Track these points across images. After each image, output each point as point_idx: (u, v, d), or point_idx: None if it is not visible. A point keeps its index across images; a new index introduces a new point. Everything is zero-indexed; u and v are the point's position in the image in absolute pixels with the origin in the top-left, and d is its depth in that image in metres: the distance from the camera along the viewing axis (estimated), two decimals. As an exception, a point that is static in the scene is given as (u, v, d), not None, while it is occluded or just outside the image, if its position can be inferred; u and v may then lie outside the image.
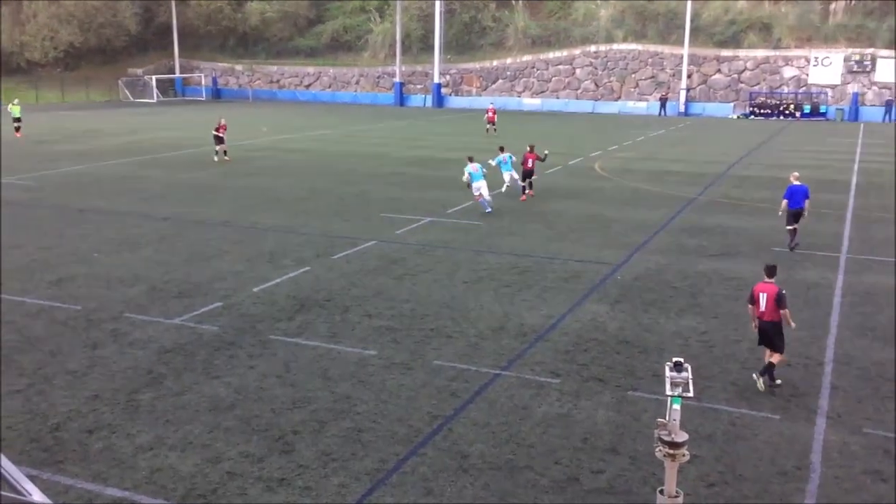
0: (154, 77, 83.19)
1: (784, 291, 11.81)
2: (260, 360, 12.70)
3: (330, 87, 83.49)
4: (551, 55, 75.03)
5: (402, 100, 78.42)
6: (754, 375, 11.90)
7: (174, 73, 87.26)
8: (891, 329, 14.43)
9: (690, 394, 6.07)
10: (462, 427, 10.51)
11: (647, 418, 10.65)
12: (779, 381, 11.77)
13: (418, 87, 79.49)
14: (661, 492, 6.28)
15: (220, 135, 35.36)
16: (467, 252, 19.75)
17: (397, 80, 78.45)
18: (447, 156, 38.08)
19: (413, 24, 79.75)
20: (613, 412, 10.99)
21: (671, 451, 6.12)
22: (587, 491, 9.04)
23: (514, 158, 27.12)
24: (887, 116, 63.47)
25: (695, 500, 8.78)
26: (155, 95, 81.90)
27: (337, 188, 28.87)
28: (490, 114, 48.99)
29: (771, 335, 11.75)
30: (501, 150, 27.36)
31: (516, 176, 27.20)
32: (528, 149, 27.12)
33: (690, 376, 6.07)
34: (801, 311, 15.27)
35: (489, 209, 24.43)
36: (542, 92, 75.18)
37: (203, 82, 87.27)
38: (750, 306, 11.99)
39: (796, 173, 20.99)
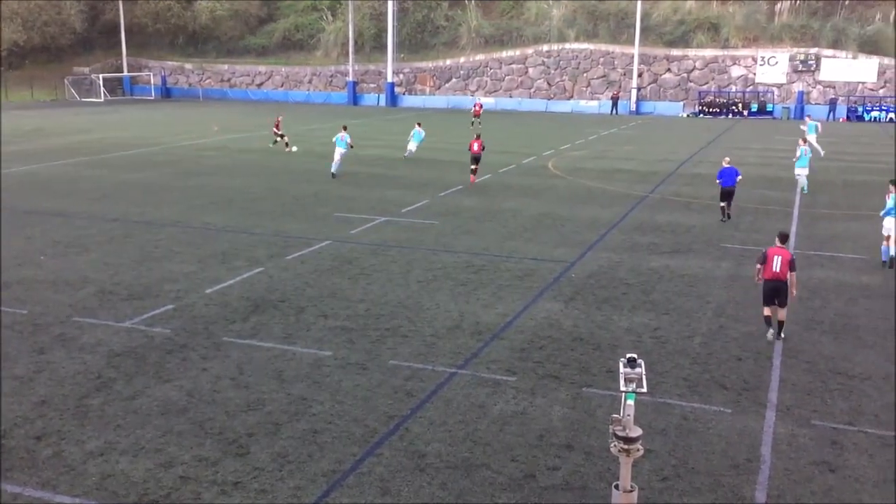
0: (101, 76, 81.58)
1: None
2: (213, 362, 12.53)
3: (282, 85, 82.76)
4: (504, 54, 75.37)
5: (355, 99, 78.08)
6: (769, 335, 13.60)
7: (122, 72, 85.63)
8: (838, 323, 14.78)
9: (644, 389, 6.13)
10: (418, 426, 10.49)
11: (602, 414, 10.76)
12: (783, 335, 13.64)
13: (372, 86, 79.23)
14: (617, 487, 6.34)
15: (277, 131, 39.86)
16: (422, 251, 19.74)
17: (350, 79, 78.10)
18: (401, 154, 38.01)
19: (366, 23, 79.45)
20: (569, 409, 11.08)
21: (626, 447, 6.18)
22: (543, 488, 9.10)
23: (423, 136, 35.66)
24: (831, 115, 65.02)
25: (649, 494, 8.89)
26: (102, 95, 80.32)
27: (290, 188, 28.63)
28: (477, 108, 56.62)
29: (783, 292, 13.47)
30: (419, 125, 34.27)
31: (413, 148, 36.18)
32: (475, 136, 30.67)
33: (644, 372, 6.14)
34: (750, 306, 15.57)
35: (334, 170, 30.96)
36: (496, 91, 75.49)
37: (152, 81, 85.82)
38: (759, 266, 13.78)
39: (728, 158, 24.70)
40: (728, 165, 23.92)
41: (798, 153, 28.83)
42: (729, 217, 23.87)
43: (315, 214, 23.97)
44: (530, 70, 74.67)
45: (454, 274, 17.72)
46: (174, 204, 25.29)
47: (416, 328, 14.19)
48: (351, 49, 76.88)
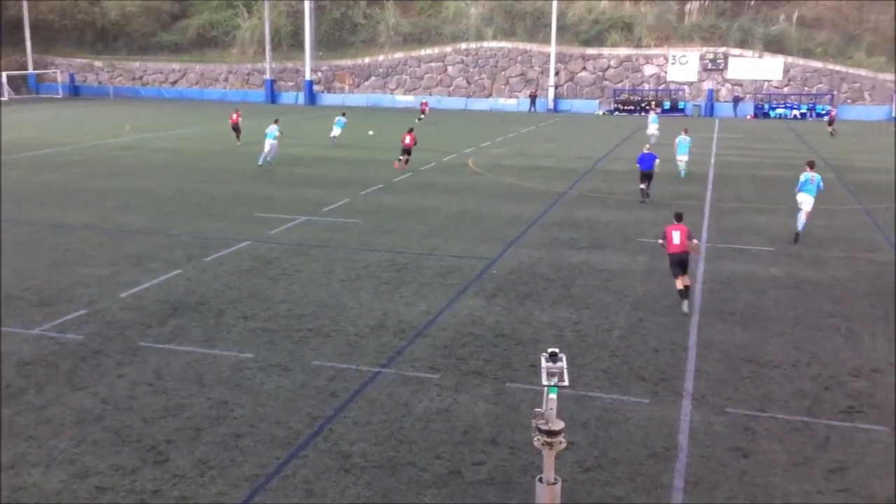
0: (4, 74, 78.15)
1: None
2: (129, 368, 12.18)
3: (197, 83, 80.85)
4: (423, 52, 75.43)
5: (273, 97, 76.89)
6: (684, 307, 15.09)
7: (27, 70, 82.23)
8: (748, 313, 15.32)
9: (565, 383, 6.21)
10: (343, 427, 10.43)
11: (525, 408, 10.89)
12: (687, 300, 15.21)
13: (290, 84, 78.18)
14: (541, 480, 6.41)
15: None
16: (344, 250, 19.61)
17: (268, 77, 76.88)
18: (321, 154, 37.66)
19: (282, 21, 78.32)
20: (492, 404, 11.18)
21: (548, 440, 6.26)
22: (469, 483, 9.16)
23: (345, 122, 39.65)
24: (735, 112, 67.28)
25: (572, 485, 9.05)
26: (6, 93, 76.96)
27: (207, 188, 28.04)
28: (423, 106, 61.49)
29: (686, 262, 15.23)
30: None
31: (336, 133, 40.86)
32: (409, 129, 33.29)
33: (565, 366, 6.23)
34: (666, 298, 16.00)
35: (260, 162, 33.04)
36: (415, 89, 75.48)
37: (60, 79, 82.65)
38: (661, 242, 15.59)
39: (647, 145, 28.58)
40: (648, 151, 26.98)
41: (677, 142, 32.04)
42: (648, 196, 26.44)
43: (234, 214, 23.53)
44: (449, 68, 74.92)
45: (377, 272, 17.67)
46: (86, 206, 24.46)
47: (339, 328, 14.10)
48: (268, 46, 75.69)
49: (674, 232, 15.31)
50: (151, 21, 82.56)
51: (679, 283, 15.28)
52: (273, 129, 33.52)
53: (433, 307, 15.32)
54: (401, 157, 32.34)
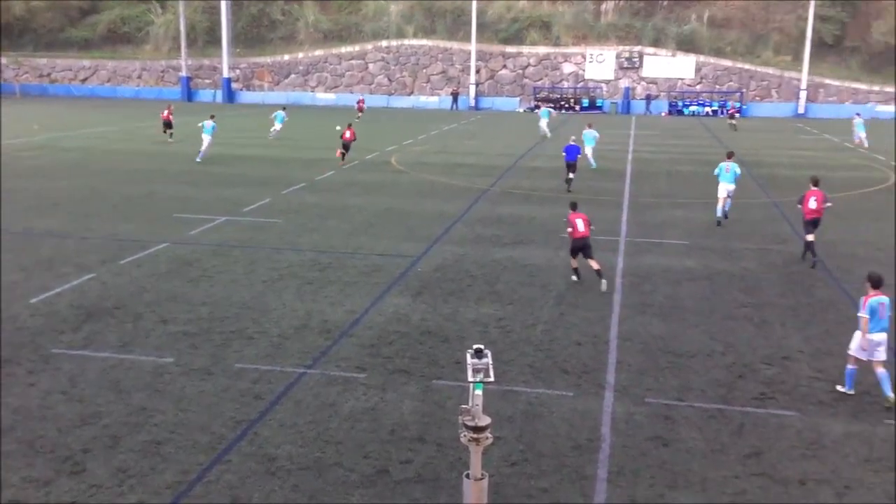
0: None
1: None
2: (42, 376, 11.74)
3: (109, 81, 78.42)
4: (343, 50, 74.91)
5: (189, 95, 75.18)
6: (573, 277, 16.92)
7: (-75, 66, 78.39)
8: (666, 305, 15.73)
9: (491, 379, 6.27)
10: (268, 430, 10.28)
11: (452, 405, 10.94)
12: (603, 279, 16.49)
13: (207, 81, 76.56)
14: (468, 475, 6.46)
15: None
16: (266, 250, 19.32)
17: (183, 74, 75.13)
18: (240, 152, 37.02)
19: (198, 16, 76.63)
20: (419, 402, 11.19)
21: (475, 436, 6.30)
22: (397, 482, 9.15)
23: (286, 118, 40.58)
24: (647, 110, 68.97)
25: (499, 479, 9.14)
26: None
27: (121, 188, 27.23)
28: (360, 104, 61.93)
29: (589, 247, 16.63)
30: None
31: (277, 128, 41.95)
32: (348, 125, 35.32)
33: (490, 362, 6.28)
34: (587, 292, 16.30)
35: (199, 159, 33.64)
36: (336, 87, 74.93)
37: (-40, 76, 79.03)
38: (569, 230, 16.69)
39: (574, 137, 30.35)
40: (573, 143, 29.13)
41: (583, 136, 34.36)
42: (571, 180, 28.52)
43: (150, 216, 22.91)
44: (370, 66, 74.62)
45: (300, 272, 17.47)
46: (-9, 208, 23.45)
47: (263, 329, 13.89)
48: (183, 43, 73.99)
49: (577, 220, 16.63)
50: (59, 16, 79.69)
51: (574, 263, 16.98)
52: (210, 125, 34.20)
53: (358, 306, 15.24)
54: (342, 153, 33.82)
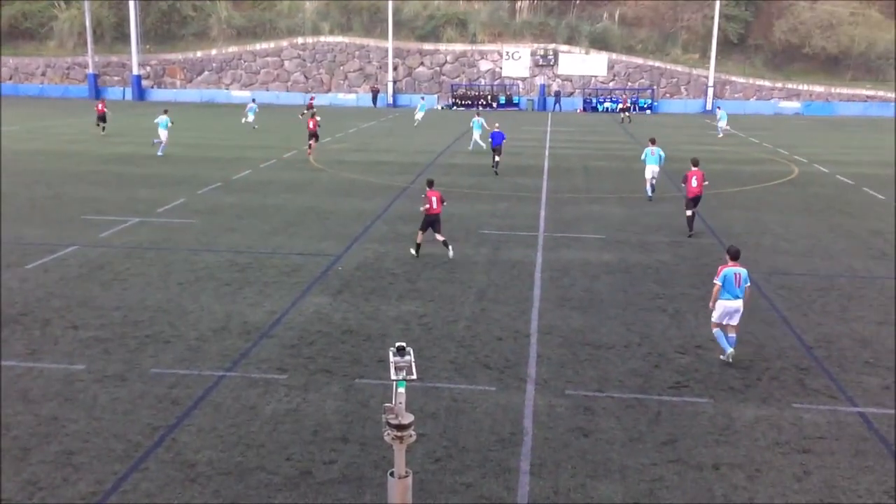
0: None
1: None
2: (-57, 388, 11.19)
3: (10, 78, 75.12)
4: (258, 47, 73.69)
5: (97, 92, 72.59)
6: (412, 251, 18.69)
7: None
8: (585, 298, 16.03)
9: (414, 376, 6.28)
10: (187, 435, 10.06)
11: (375, 404, 10.91)
12: (451, 248, 18.53)
13: (115, 79, 74.21)
14: (392, 474, 6.45)
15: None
16: (182, 252, 18.87)
17: (90, 71, 72.64)
18: (154, 151, 36.01)
19: (104, 12, 74.10)
20: (342, 402, 11.12)
21: (399, 434, 6.30)
22: (320, 483, 9.08)
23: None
24: (557, 106, 70.02)
25: (424, 476, 9.16)
26: None
27: (25, 190, 26.16)
28: (311, 101, 60.14)
29: (438, 222, 18.59)
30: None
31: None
32: (311, 115, 37.81)
33: (413, 359, 6.29)
34: (508, 288, 16.48)
35: (160, 153, 34.96)
36: (252, 84, 73.65)
37: None
38: (426, 206, 18.36)
39: (497, 123, 33.90)
40: (497, 130, 32.23)
41: (472, 124, 39.90)
42: (497, 163, 31.65)
43: (57, 218, 22.09)
44: (286, 63, 73.63)
45: (217, 274, 17.13)
46: None
47: (179, 333, 13.57)
48: (89, 39, 71.48)
49: (433, 197, 18.47)
50: (-46, 10, 75.93)
51: (420, 238, 18.74)
52: (164, 119, 35.37)
53: (278, 306, 15.04)
54: (310, 143, 35.62)
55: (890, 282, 17.43)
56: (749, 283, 12.92)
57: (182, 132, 41.67)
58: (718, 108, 53.48)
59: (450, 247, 18.58)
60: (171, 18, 75.41)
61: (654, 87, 70.51)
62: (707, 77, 69.04)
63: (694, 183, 21.33)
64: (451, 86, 71.71)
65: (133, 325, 13.86)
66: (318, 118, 36.64)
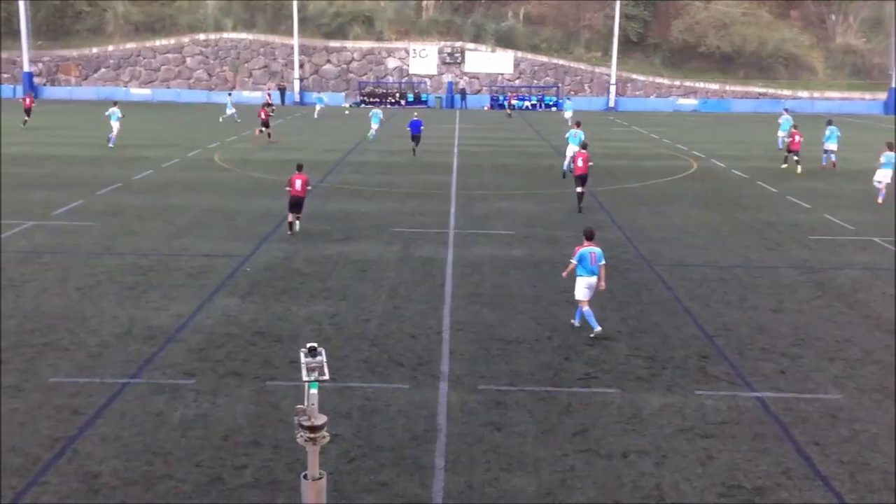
0: None
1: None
2: None
3: None
4: (158, 43, 71.59)
5: (-15, 90, 69.24)
6: (289, 233, 20.45)
7: None
8: (496, 294, 16.21)
9: (326, 377, 6.23)
10: (89, 446, 9.70)
11: (287, 406, 10.76)
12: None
13: (6, 76, 70.81)
14: (305, 476, 6.39)
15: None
16: (80, 256, 18.18)
17: (-22, 67, 69.10)
18: (47, 151, 34.55)
19: (-7, 6, 70.65)
20: (253, 405, 10.93)
21: (311, 435, 6.24)
22: (232, 489, 8.90)
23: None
24: (463, 103, 70.49)
25: (338, 477, 9.09)
26: None
27: None
28: (269, 98, 61.28)
29: (301, 203, 20.52)
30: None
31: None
32: (262, 105, 43.11)
33: (325, 359, 6.23)
34: (420, 285, 16.52)
35: (111, 144, 36.20)
36: (152, 81, 71.51)
37: None
38: (288, 188, 20.38)
39: (416, 113, 37.81)
40: (416, 118, 36.35)
41: (370, 115, 42.82)
42: (415, 149, 35.68)
43: (-56, 223, 20.95)
44: (188, 60, 71.77)
45: (119, 277, 16.57)
46: None
47: (79, 339, 13.07)
48: (-24, 34, 67.95)
49: (297, 180, 20.19)
50: None
51: (291, 217, 20.48)
52: (115, 111, 36.87)
53: (185, 310, 14.66)
54: (262, 129, 39.78)
55: (784, 271, 18.27)
56: (604, 262, 13.91)
57: (78, 131, 40.13)
58: (568, 98, 59.37)
59: (297, 225, 20.59)
60: (64, 13, 72.45)
61: (559, 84, 71.82)
62: (609, 75, 70.73)
63: (580, 163, 24.14)
64: (359, 83, 71.32)
65: (28, 334, 13.27)
66: (269, 110, 42.25)
